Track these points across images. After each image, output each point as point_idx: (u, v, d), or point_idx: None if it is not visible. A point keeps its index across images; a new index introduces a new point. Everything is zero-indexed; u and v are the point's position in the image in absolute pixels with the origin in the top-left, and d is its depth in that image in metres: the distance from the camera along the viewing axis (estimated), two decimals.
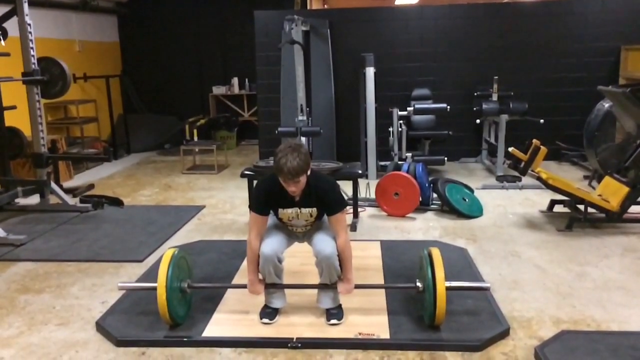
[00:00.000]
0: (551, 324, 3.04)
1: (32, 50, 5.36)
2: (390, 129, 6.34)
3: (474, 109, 6.95)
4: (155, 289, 2.88)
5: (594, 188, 5.43)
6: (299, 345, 2.83)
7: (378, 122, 6.57)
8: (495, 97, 6.75)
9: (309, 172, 2.82)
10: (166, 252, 3.04)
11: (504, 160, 6.26)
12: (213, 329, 3.01)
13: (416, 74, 7.38)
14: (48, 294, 3.59)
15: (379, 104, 6.61)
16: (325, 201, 2.92)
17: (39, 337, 3.02)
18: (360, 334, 2.90)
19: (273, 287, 3.05)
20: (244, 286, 3.07)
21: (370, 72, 6.52)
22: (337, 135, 7.20)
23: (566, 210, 4.93)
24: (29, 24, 5.31)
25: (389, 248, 4.25)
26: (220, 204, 5.73)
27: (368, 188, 5.70)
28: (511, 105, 6.56)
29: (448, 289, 2.80)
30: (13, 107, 5.60)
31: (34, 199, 5.69)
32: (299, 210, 2.95)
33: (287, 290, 3.17)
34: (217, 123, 9.24)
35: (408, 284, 3.10)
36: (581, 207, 4.62)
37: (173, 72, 9.60)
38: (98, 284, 3.72)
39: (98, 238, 4.66)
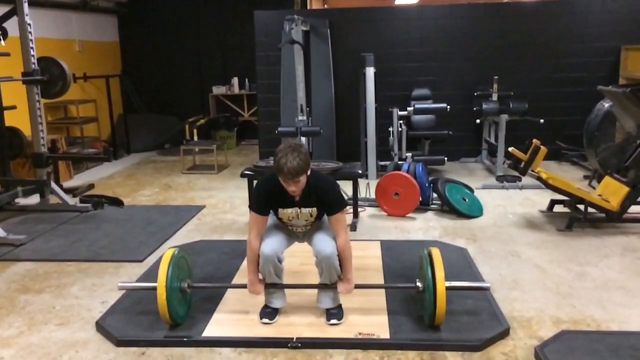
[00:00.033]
0: (551, 324, 3.04)
1: (32, 50, 5.36)
2: (390, 129, 6.34)
3: (474, 108, 6.95)
4: (155, 288, 2.88)
5: (594, 188, 5.43)
6: (299, 345, 2.83)
7: (378, 122, 6.57)
8: (495, 97, 6.75)
9: (309, 172, 2.82)
10: (166, 252, 3.04)
11: (504, 160, 6.26)
12: (213, 329, 3.01)
13: (416, 74, 7.38)
14: (48, 294, 3.59)
15: (379, 103, 6.61)
16: (325, 201, 2.92)
17: (39, 337, 3.02)
18: (360, 334, 2.90)
19: (273, 287, 3.05)
20: (244, 286, 3.07)
21: (370, 72, 6.52)
22: (337, 135, 7.20)
23: (566, 210, 4.93)
24: (29, 24, 5.31)
25: (389, 248, 4.25)
26: (220, 204, 5.73)
27: (368, 188, 5.70)
28: (511, 105, 6.56)
29: (448, 288, 2.80)
30: (13, 107, 5.61)
31: (34, 199, 5.69)
32: (299, 210, 2.95)
33: (287, 290, 3.17)
34: (217, 123, 9.24)
35: (408, 284, 3.10)
36: (581, 207, 4.62)
37: (173, 72, 9.60)
38: (98, 284, 3.72)
39: (98, 238, 4.66)
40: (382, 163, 6.57)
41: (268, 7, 7.88)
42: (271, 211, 3.01)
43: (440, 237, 4.55)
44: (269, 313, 3.07)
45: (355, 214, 4.93)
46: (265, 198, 2.94)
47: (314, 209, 2.95)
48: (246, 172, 4.83)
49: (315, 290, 3.10)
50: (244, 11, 8.56)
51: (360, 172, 5.01)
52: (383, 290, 3.36)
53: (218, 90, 9.48)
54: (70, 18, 8.14)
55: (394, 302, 3.23)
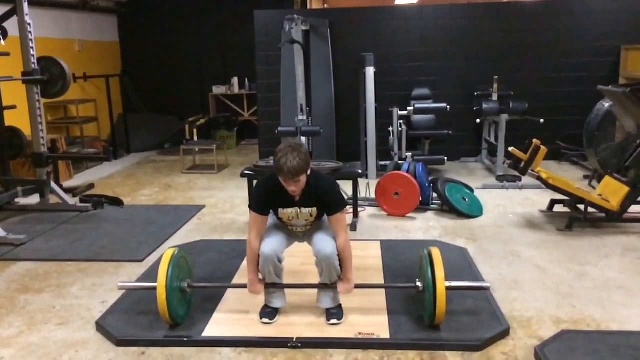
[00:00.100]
0: (551, 323, 3.04)
1: (32, 50, 5.36)
2: (390, 129, 6.34)
3: (474, 108, 6.95)
4: (155, 288, 2.88)
5: (594, 188, 5.43)
6: (299, 345, 2.83)
7: (378, 121, 6.57)
8: (495, 97, 6.75)
9: (309, 172, 2.82)
10: (166, 252, 3.04)
11: (504, 160, 6.26)
12: (213, 328, 3.01)
13: (416, 74, 7.38)
14: (48, 293, 3.59)
15: (379, 103, 6.61)
16: (325, 201, 2.92)
17: (38, 337, 3.02)
18: (360, 333, 2.90)
19: (273, 286, 3.05)
20: (244, 286, 3.07)
21: (370, 71, 6.52)
22: (337, 135, 7.20)
23: (566, 210, 4.93)
24: (29, 24, 5.31)
25: (389, 248, 4.24)
26: (220, 204, 5.73)
27: (368, 188, 5.70)
28: (511, 105, 6.56)
29: (448, 288, 2.80)
30: (13, 107, 5.60)
31: (34, 199, 5.68)
32: (299, 210, 2.95)
33: (287, 290, 3.17)
34: (217, 123, 9.24)
35: (408, 284, 3.10)
36: (581, 206, 4.62)
37: (173, 72, 9.60)
38: (98, 284, 3.72)
39: (98, 238, 4.65)
40: (382, 163, 6.57)
41: (268, 7, 7.88)
42: (271, 211, 3.01)
43: (440, 237, 4.55)
44: (269, 313, 3.07)
45: (355, 214, 4.93)
46: (265, 198, 2.94)
47: (314, 209, 2.95)
48: (246, 172, 4.83)
49: (315, 290, 3.10)
50: (244, 11, 8.55)
51: (360, 172, 5.01)
52: (383, 290, 3.36)
53: (218, 90, 9.48)
54: (70, 18, 8.14)
55: (394, 302, 3.23)
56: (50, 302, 3.45)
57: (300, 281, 3.32)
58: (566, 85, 7.28)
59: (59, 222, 5.10)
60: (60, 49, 7.31)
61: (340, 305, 3.09)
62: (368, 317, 3.08)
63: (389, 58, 7.27)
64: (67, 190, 5.92)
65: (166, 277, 2.88)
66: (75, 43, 8.23)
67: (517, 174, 5.33)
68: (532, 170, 4.83)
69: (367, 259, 3.99)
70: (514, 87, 7.06)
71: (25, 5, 5.27)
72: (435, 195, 5.30)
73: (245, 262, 3.51)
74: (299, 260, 3.63)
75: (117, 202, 5.62)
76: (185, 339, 2.91)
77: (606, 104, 5.45)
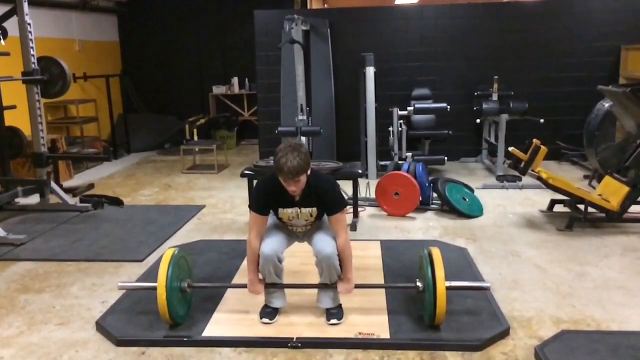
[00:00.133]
0: (551, 323, 3.04)
1: (32, 50, 5.36)
2: (390, 129, 6.34)
3: (474, 108, 6.95)
4: (155, 288, 2.88)
5: (594, 188, 5.43)
6: (299, 345, 2.83)
7: (378, 121, 6.57)
8: (495, 97, 6.75)
9: (309, 172, 2.82)
10: (166, 252, 3.04)
11: (504, 160, 6.26)
12: (213, 328, 3.01)
13: (416, 74, 7.38)
14: (48, 293, 3.58)
15: (379, 103, 6.61)
16: (325, 201, 2.92)
17: (38, 337, 3.02)
18: (360, 333, 2.90)
19: (273, 286, 3.05)
20: (244, 286, 3.07)
21: (370, 71, 6.52)
22: (337, 135, 7.19)
23: (566, 209, 4.93)
24: (29, 24, 5.31)
25: (389, 248, 4.24)
26: (220, 204, 5.73)
27: (368, 188, 5.70)
28: (511, 105, 6.56)
29: (448, 288, 2.80)
30: (13, 107, 5.60)
31: (34, 199, 5.68)
32: (299, 210, 2.94)
33: (287, 290, 3.17)
34: (217, 123, 9.24)
35: (408, 284, 3.10)
36: (581, 206, 4.62)
37: (173, 72, 9.60)
38: (98, 284, 3.72)
39: (98, 238, 4.65)
40: (382, 163, 6.57)
41: (268, 7, 7.88)
42: (271, 211, 3.01)
43: (440, 236, 4.55)
44: (269, 313, 3.07)
45: (355, 214, 4.93)
46: (265, 198, 2.94)
47: (314, 209, 2.95)
48: (246, 171, 4.83)
49: (315, 290, 3.10)
50: (244, 11, 8.55)
51: (360, 171, 5.01)
52: (383, 290, 3.36)
53: (218, 90, 9.48)
54: (70, 18, 8.14)
55: (394, 302, 3.23)
56: (50, 302, 3.45)
57: (300, 281, 3.32)
58: (566, 85, 7.28)
59: (59, 222, 5.10)
60: (60, 49, 7.31)
61: (340, 305, 3.09)
62: (368, 317, 3.08)
63: (389, 58, 7.27)
64: (67, 190, 5.92)
65: (166, 277, 2.88)
66: (75, 43, 8.23)
67: (517, 174, 5.33)
68: (532, 170, 4.83)
69: (367, 259, 3.99)
70: (514, 87, 7.07)
71: (25, 5, 5.27)
72: (435, 195, 5.30)
73: (245, 262, 3.52)
74: (299, 260, 3.63)
75: (117, 202, 5.62)
76: (185, 339, 2.91)
77: (606, 104, 5.45)
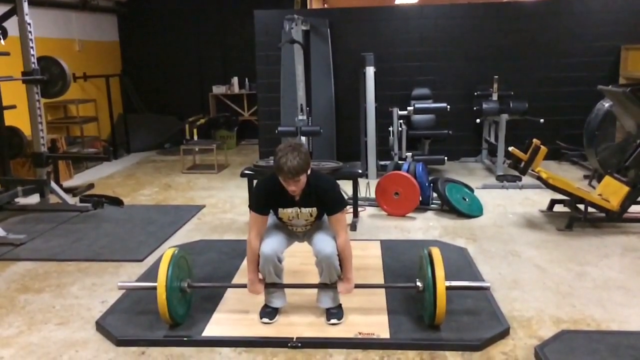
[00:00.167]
0: (551, 323, 3.04)
1: (32, 50, 5.36)
2: (390, 129, 6.34)
3: (474, 108, 6.95)
4: (155, 288, 2.88)
5: (594, 188, 5.43)
6: (299, 344, 2.83)
7: (378, 121, 6.57)
8: (495, 97, 6.75)
9: (309, 172, 2.82)
10: (166, 252, 3.04)
11: (504, 160, 6.26)
12: (213, 328, 3.01)
13: (416, 74, 7.38)
14: (48, 293, 3.58)
15: (379, 103, 6.61)
16: (325, 201, 2.92)
17: (38, 337, 3.02)
18: (360, 333, 2.90)
19: (273, 286, 3.05)
20: (243, 286, 3.07)
21: (370, 71, 6.52)
22: (337, 134, 7.19)
23: (566, 209, 4.93)
24: (29, 24, 5.31)
25: (389, 248, 4.24)
26: (220, 204, 5.73)
27: (368, 188, 5.70)
28: (511, 105, 6.56)
29: (448, 288, 2.80)
30: (13, 107, 5.61)
31: (34, 199, 5.68)
32: (299, 210, 2.94)
33: (287, 290, 3.17)
34: (217, 122, 9.24)
35: (408, 284, 3.10)
36: (581, 206, 4.62)
37: (173, 72, 9.59)
38: (98, 284, 3.72)
39: (98, 237, 4.65)
40: (382, 163, 6.57)
41: (268, 6, 7.88)
42: (271, 211, 3.01)
43: (440, 236, 4.55)
44: (269, 313, 3.07)
45: (355, 214, 4.93)
46: (265, 198, 2.94)
47: (314, 209, 2.95)
48: (246, 171, 4.83)
49: (315, 290, 3.10)
50: (244, 11, 8.55)
51: (360, 171, 5.01)
52: (383, 290, 3.36)
53: (218, 90, 9.48)
54: (70, 17, 8.14)
55: (394, 302, 3.23)
56: (50, 302, 3.45)
57: (300, 281, 3.32)
58: (566, 85, 7.28)
59: (58, 221, 5.10)
60: (60, 49, 7.31)
61: (340, 305, 3.09)
62: (368, 317, 3.08)
63: (389, 58, 7.27)
64: (67, 190, 5.91)
65: (166, 276, 2.88)
66: (75, 43, 8.23)
67: (517, 173, 5.33)
68: (532, 170, 4.83)
69: (367, 258, 3.99)
70: (514, 87, 7.07)
71: (25, 5, 5.27)
72: (435, 195, 5.30)
73: (245, 262, 3.51)
74: (299, 260, 3.63)
75: (117, 202, 5.62)
76: (185, 339, 2.91)
77: (606, 104, 5.44)
